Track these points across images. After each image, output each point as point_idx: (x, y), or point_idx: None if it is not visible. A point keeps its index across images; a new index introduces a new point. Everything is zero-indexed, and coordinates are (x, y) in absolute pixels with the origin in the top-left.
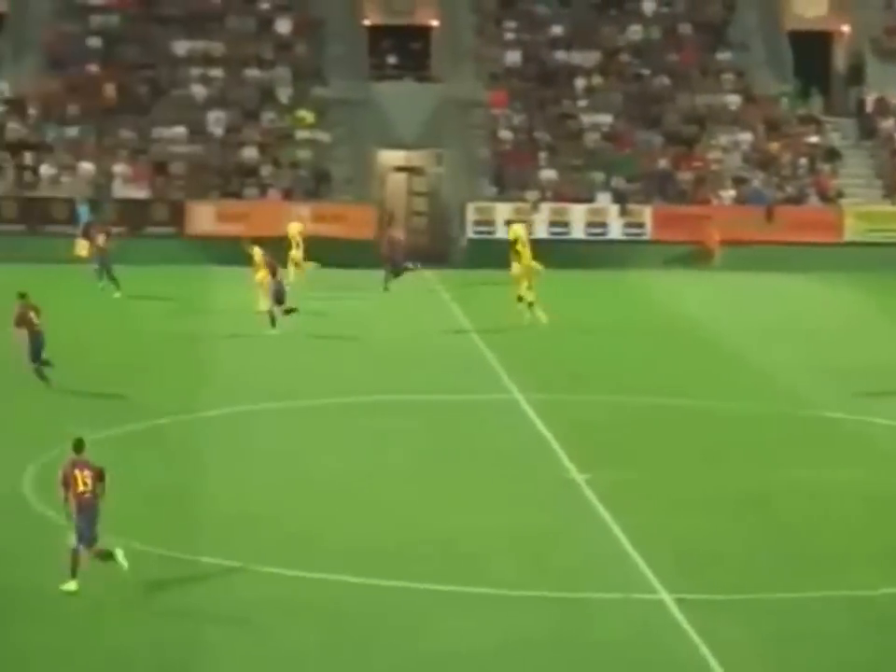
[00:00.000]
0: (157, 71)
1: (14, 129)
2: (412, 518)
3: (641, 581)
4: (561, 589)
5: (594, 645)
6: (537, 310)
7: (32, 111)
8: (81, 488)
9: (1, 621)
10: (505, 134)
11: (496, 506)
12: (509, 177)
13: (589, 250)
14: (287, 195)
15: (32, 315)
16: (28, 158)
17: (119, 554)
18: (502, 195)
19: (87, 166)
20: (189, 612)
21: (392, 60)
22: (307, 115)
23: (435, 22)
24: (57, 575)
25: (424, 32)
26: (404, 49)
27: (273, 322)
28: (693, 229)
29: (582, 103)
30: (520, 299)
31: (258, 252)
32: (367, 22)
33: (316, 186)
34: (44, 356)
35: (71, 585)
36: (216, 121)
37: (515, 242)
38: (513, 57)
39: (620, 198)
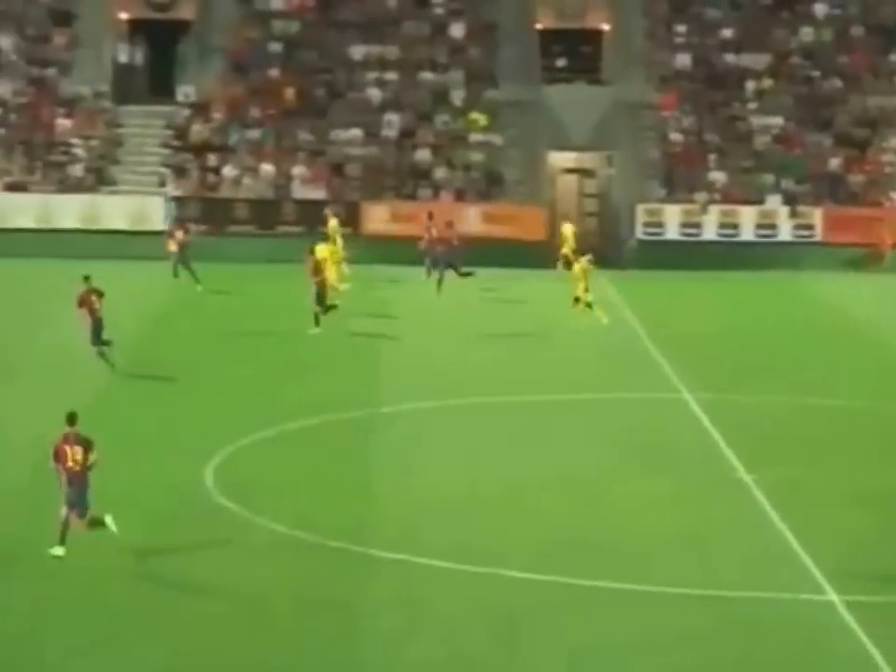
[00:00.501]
0: (334, 75)
1: (198, 131)
2: (580, 516)
3: (809, 581)
4: (728, 588)
5: (758, 643)
6: (596, 310)
7: (215, 114)
8: (70, 463)
9: (191, 615)
10: (675, 137)
11: (664, 504)
12: (678, 179)
13: (758, 252)
14: (460, 196)
15: (94, 298)
16: (211, 159)
17: (109, 520)
18: (671, 197)
19: (267, 168)
20: (359, 604)
21: (563, 63)
22: (480, 117)
23: (606, 26)
24: (236, 565)
25: (595, 35)
26: (575, 52)
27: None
28: (864, 231)
29: (752, 105)
30: (577, 300)
31: None
32: (538, 26)
33: (488, 187)
34: (104, 337)
35: (58, 550)
36: (390, 124)
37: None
38: (683, 60)
39: (790, 200)
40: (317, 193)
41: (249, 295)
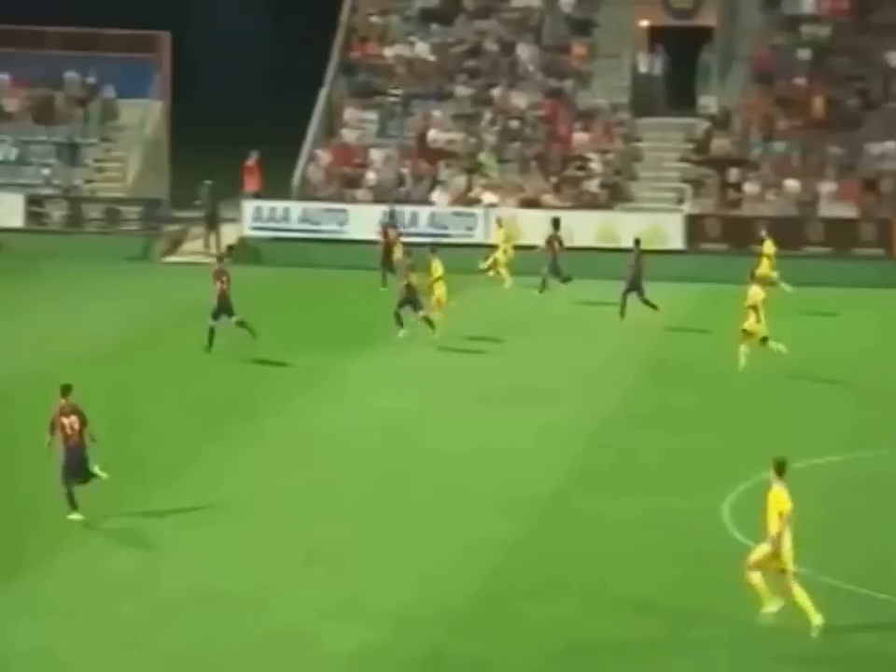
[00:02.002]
0: (868, 83)
1: (719, 144)
2: None
3: None
4: None
5: None
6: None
7: (737, 126)
8: (69, 432)
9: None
10: None
11: None
12: None
13: None
14: None
15: (224, 278)
16: (733, 174)
17: (97, 469)
18: None
19: (792, 183)
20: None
21: None
22: None
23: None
24: (744, 602)
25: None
26: None
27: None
28: None
29: None
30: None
31: None
32: None
33: None
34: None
35: (75, 516)
36: None
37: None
38: None
39: None
40: (847, 211)
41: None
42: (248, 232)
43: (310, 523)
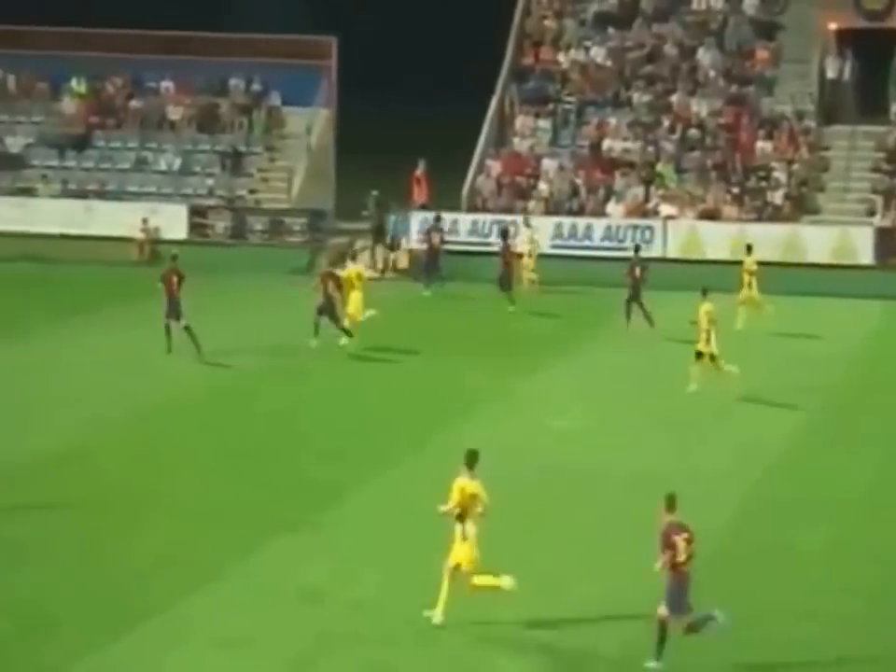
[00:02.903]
0: None
1: None
2: None
3: None
4: None
5: None
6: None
7: None
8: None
9: None
10: None
11: None
12: None
13: None
14: None
15: (174, 279)
16: None
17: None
18: None
19: None
20: None
21: None
22: None
23: None
24: None
25: None
26: None
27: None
28: None
29: None
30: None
31: None
32: None
33: None
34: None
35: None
36: None
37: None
38: None
39: None
40: None
41: None
42: (415, 245)
43: (485, 544)
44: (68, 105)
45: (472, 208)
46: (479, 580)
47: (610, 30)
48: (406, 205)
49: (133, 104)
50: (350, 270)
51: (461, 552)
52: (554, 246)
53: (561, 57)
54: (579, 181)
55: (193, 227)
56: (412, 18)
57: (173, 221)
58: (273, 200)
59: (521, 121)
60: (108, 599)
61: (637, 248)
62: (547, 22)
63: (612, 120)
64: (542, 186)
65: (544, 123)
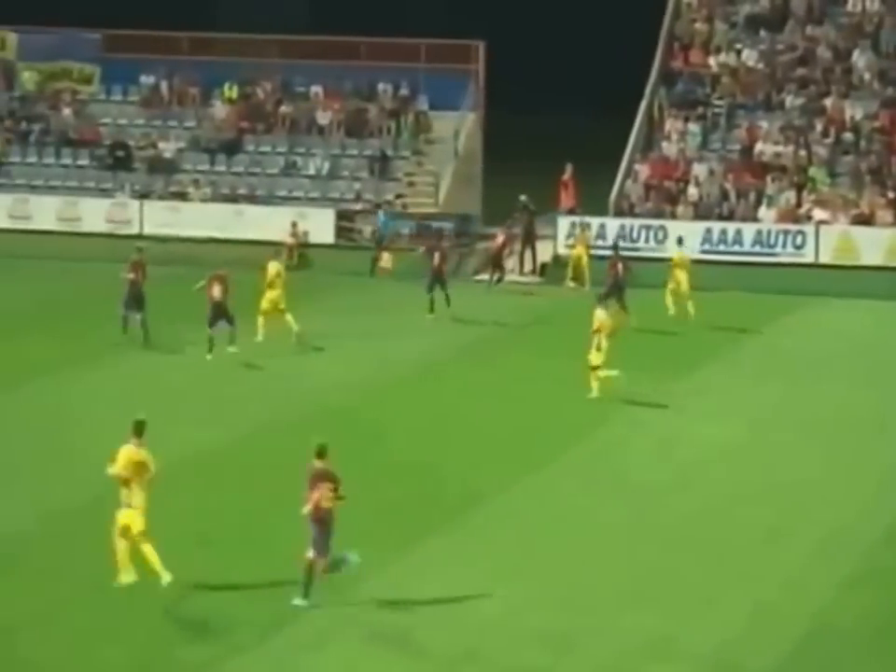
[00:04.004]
0: None
1: None
2: None
3: None
4: None
5: None
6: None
7: None
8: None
9: None
10: None
11: None
12: None
13: None
14: None
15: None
16: None
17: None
18: None
19: None
20: None
21: None
22: None
23: None
24: None
25: None
26: None
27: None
28: None
29: None
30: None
31: None
32: None
33: None
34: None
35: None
36: None
37: None
38: None
39: None
40: None
41: None
42: (563, 250)
43: (623, 555)
44: (219, 111)
45: (620, 213)
46: (147, 550)
47: (762, 32)
48: (553, 209)
49: (283, 108)
50: (271, 267)
51: (128, 516)
52: (704, 252)
53: (711, 60)
54: (728, 185)
55: (340, 231)
56: (559, 21)
57: (320, 225)
58: (419, 205)
59: (670, 125)
60: (256, 599)
61: (615, 246)
62: (697, 25)
63: (764, 124)
64: (692, 190)
65: (694, 127)
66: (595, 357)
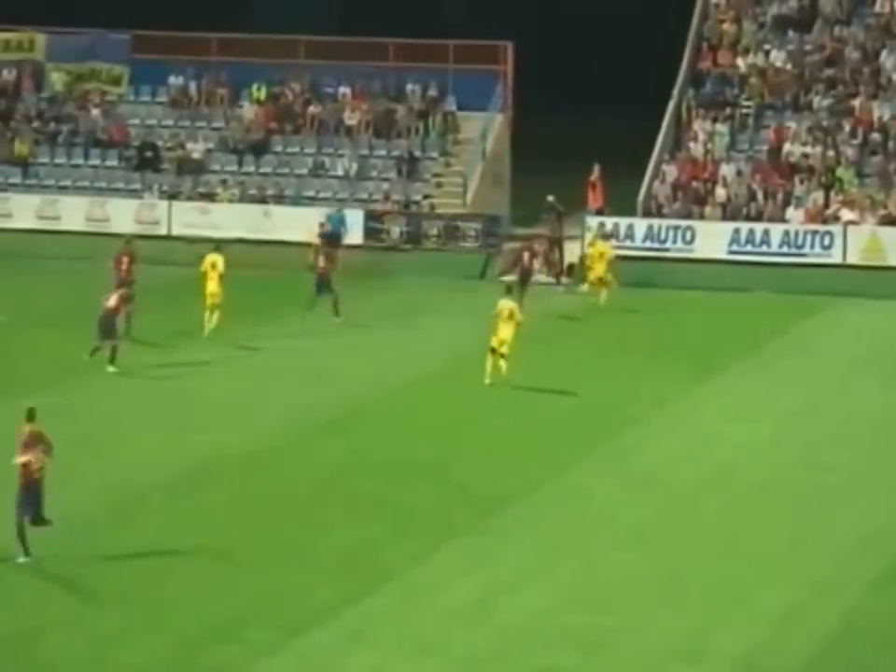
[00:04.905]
0: None
1: None
2: None
3: None
4: None
5: None
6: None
7: None
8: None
9: None
10: None
11: None
12: None
13: None
14: None
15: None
16: None
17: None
18: None
19: None
20: None
21: None
22: None
23: None
24: None
25: None
26: None
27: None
28: None
29: None
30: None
31: None
32: None
33: None
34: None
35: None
36: None
37: None
38: None
39: None
40: None
41: None
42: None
43: (652, 556)
44: (248, 112)
45: (648, 213)
46: None
47: (790, 33)
48: (581, 210)
49: (311, 109)
50: (207, 259)
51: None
52: (731, 252)
53: (739, 61)
54: (756, 186)
55: (369, 231)
56: (587, 22)
57: (349, 226)
58: (448, 205)
59: (698, 126)
60: (282, 600)
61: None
62: (725, 26)
63: (792, 125)
64: (719, 191)
65: (721, 128)
66: (497, 343)
